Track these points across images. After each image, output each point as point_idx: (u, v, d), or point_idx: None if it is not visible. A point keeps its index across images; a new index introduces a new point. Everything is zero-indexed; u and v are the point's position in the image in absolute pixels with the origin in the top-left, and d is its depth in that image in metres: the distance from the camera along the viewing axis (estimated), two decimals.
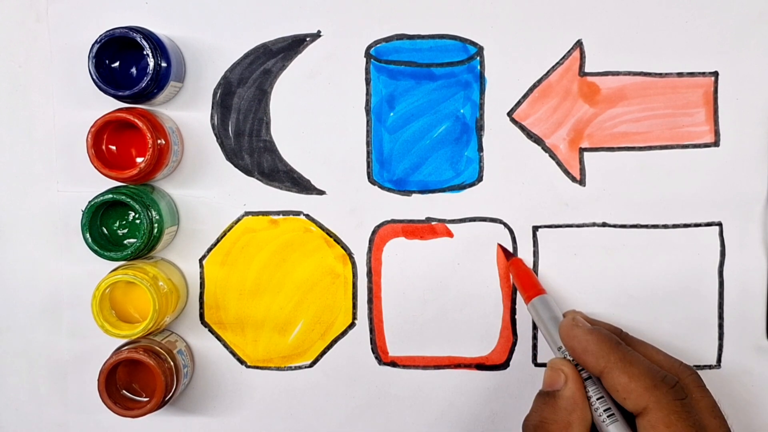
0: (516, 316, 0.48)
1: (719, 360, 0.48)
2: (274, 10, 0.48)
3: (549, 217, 0.48)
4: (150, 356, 0.44)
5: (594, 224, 0.48)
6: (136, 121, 0.44)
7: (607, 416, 0.39)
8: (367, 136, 0.48)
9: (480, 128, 0.48)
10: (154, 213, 0.46)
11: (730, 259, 0.48)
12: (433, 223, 0.49)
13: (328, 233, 0.49)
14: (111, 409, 0.44)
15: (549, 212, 0.48)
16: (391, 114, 0.48)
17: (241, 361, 0.49)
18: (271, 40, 0.48)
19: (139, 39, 0.44)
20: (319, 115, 0.48)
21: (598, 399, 0.40)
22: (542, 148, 0.48)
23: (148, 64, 0.45)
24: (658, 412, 0.38)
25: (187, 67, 0.48)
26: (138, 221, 0.46)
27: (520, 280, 0.47)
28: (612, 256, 0.48)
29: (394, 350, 0.49)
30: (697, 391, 0.40)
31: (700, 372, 0.48)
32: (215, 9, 0.48)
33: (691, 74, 0.47)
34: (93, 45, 0.45)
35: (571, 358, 0.42)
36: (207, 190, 0.49)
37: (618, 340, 0.41)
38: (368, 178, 0.49)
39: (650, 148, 0.48)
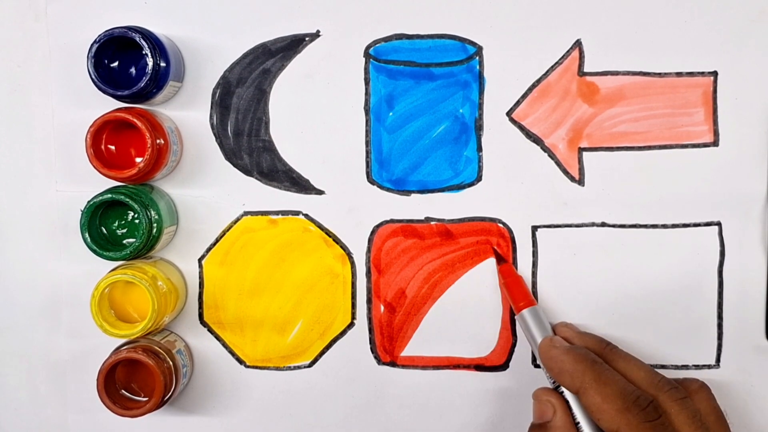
0: (515, 317, 0.48)
1: (718, 360, 0.48)
2: (273, 9, 0.48)
3: (548, 216, 0.48)
4: (149, 356, 0.44)
5: (593, 224, 0.48)
6: (135, 120, 0.44)
7: None
8: (366, 135, 0.48)
9: (479, 128, 0.48)
10: (153, 213, 0.46)
11: (729, 258, 0.48)
12: (432, 222, 0.49)
13: (327, 233, 0.49)
14: (110, 409, 0.44)
15: (548, 212, 0.48)
16: (390, 114, 0.48)
17: (240, 361, 0.49)
18: (270, 40, 0.48)
19: (138, 39, 0.44)
20: (318, 114, 0.48)
21: (576, 424, 0.42)
22: (541, 148, 0.48)
23: (147, 64, 0.45)
24: None
25: (186, 66, 0.48)
26: (137, 221, 0.46)
27: (509, 288, 0.47)
28: (611, 255, 0.48)
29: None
30: (675, 406, 0.40)
31: (699, 372, 0.48)
32: (214, 9, 0.48)
33: (691, 74, 0.47)
34: (92, 45, 0.45)
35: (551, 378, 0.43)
36: (206, 190, 0.49)
37: (594, 358, 0.42)
38: (367, 177, 0.49)
39: (649, 147, 0.48)
